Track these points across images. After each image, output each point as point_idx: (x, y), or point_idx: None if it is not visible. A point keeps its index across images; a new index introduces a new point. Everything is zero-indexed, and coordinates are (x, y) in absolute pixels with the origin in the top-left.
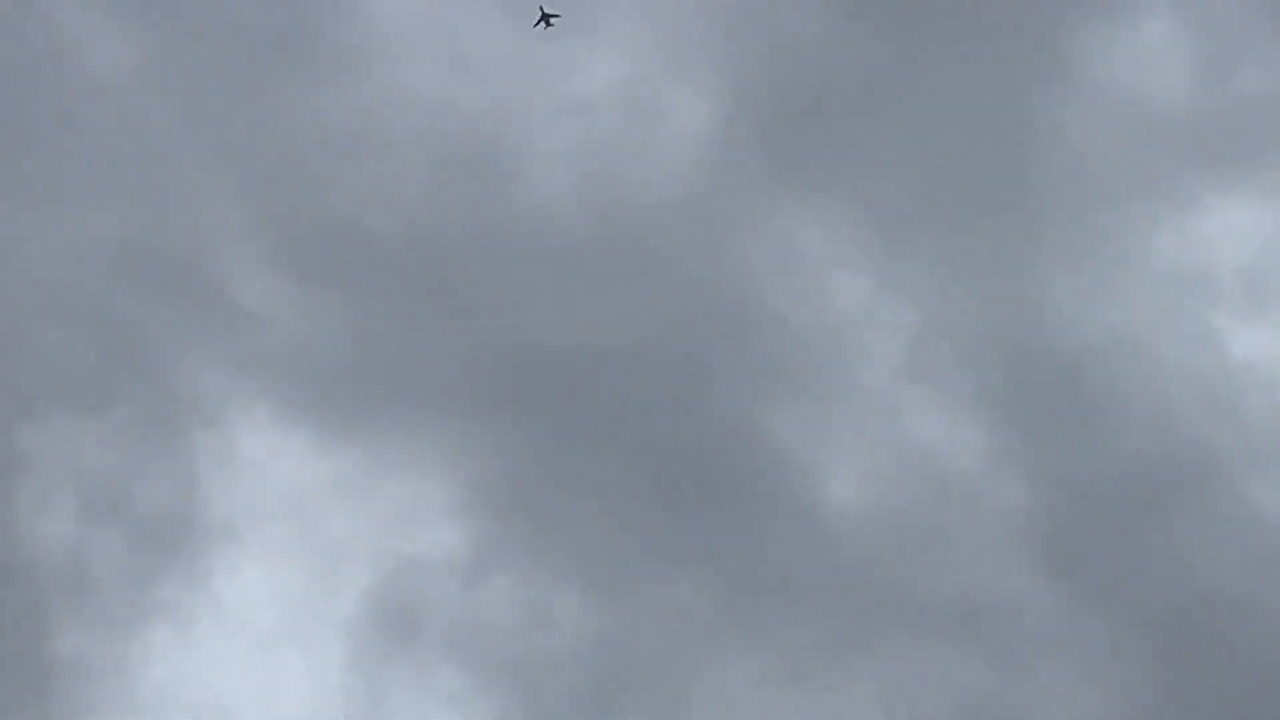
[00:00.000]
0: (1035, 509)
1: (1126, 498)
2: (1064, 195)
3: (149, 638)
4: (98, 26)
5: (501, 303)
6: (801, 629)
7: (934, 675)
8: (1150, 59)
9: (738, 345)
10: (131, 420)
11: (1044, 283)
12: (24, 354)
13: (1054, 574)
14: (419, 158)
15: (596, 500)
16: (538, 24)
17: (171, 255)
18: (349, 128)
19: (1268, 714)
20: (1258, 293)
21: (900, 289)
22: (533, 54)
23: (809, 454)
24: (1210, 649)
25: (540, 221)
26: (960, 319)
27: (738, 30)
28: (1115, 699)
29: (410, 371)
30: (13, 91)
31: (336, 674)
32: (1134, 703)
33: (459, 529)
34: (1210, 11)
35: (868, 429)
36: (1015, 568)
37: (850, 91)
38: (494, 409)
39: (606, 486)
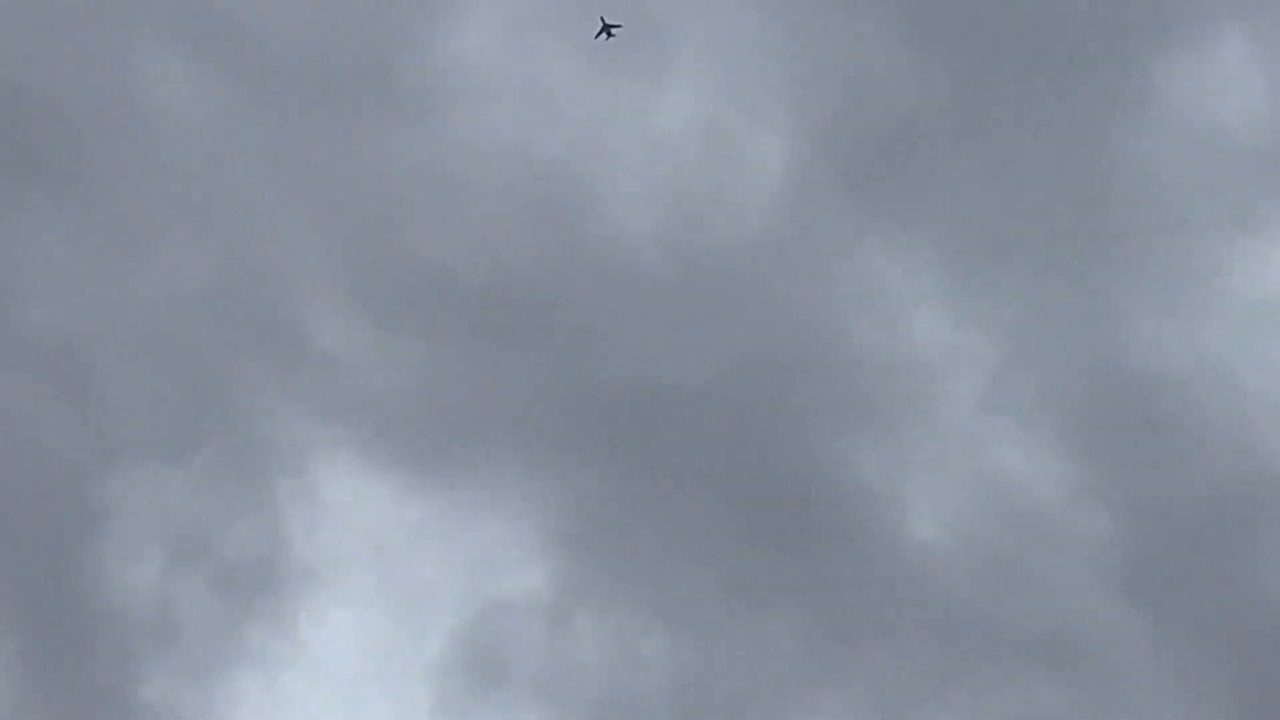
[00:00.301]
0: (1119, 539)
1: (1210, 526)
2: (1143, 225)
3: (235, 684)
4: (178, 73)
5: (583, 343)
6: (888, 664)
7: (1021, 707)
8: (1228, 88)
9: (820, 382)
10: (215, 467)
11: (1124, 313)
12: (108, 402)
13: (1139, 603)
14: (498, 200)
15: (680, 539)
16: (599, 35)
17: (253, 301)
18: (428, 171)
19: None
20: None
21: (981, 322)
22: (610, 94)
23: (892, 489)
24: None
25: (620, 261)
26: (1041, 351)
27: (815, 67)
28: None
29: (492, 413)
30: (96, 138)
31: (423, 718)
32: None
33: (543, 570)
34: None
35: (950, 463)
36: (1100, 598)
37: (928, 126)
38: (577, 449)
39: (690, 525)
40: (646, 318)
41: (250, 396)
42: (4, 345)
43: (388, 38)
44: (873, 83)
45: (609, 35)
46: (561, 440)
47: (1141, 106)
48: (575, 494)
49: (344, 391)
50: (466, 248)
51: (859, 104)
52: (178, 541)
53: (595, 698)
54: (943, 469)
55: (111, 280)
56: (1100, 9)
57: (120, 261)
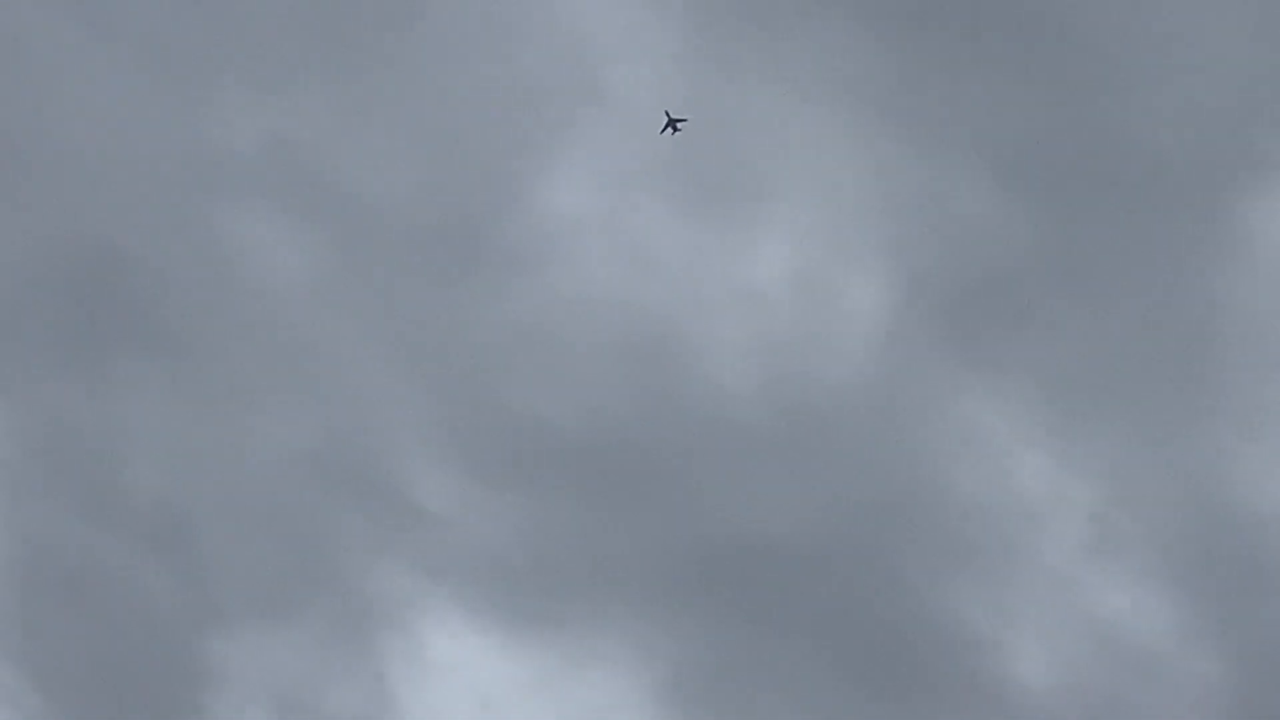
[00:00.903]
0: (1228, 682)
1: None
2: (1245, 364)
3: None
4: (277, 234)
5: (685, 495)
6: None
7: None
8: None
9: (922, 528)
10: (320, 626)
11: (1228, 452)
12: (213, 562)
13: None
14: (597, 353)
15: (786, 688)
16: (664, 130)
17: (355, 460)
18: (527, 326)
19: None
20: None
21: (1083, 465)
22: (707, 246)
23: (997, 634)
24: None
25: (720, 412)
26: (1145, 493)
27: (909, 214)
28: None
29: (596, 567)
30: (196, 301)
31: None
32: None
33: None
34: None
35: (1053, 606)
36: None
37: (1024, 269)
38: (681, 602)
39: (795, 674)
40: (747, 468)
41: (354, 555)
42: (109, 507)
43: (484, 195)
44: (967, 227)
45: (675, 130)
46: (666, 593)
47: (1239, 244)
48: (680, 646)
49: (448, 548)
50: (566, 402)
51: (954, 249)
52: (283, 701)
53: None
54: (1048, 613)
55: (215, 442)
56: (1195, 148)
57: (223, 423)
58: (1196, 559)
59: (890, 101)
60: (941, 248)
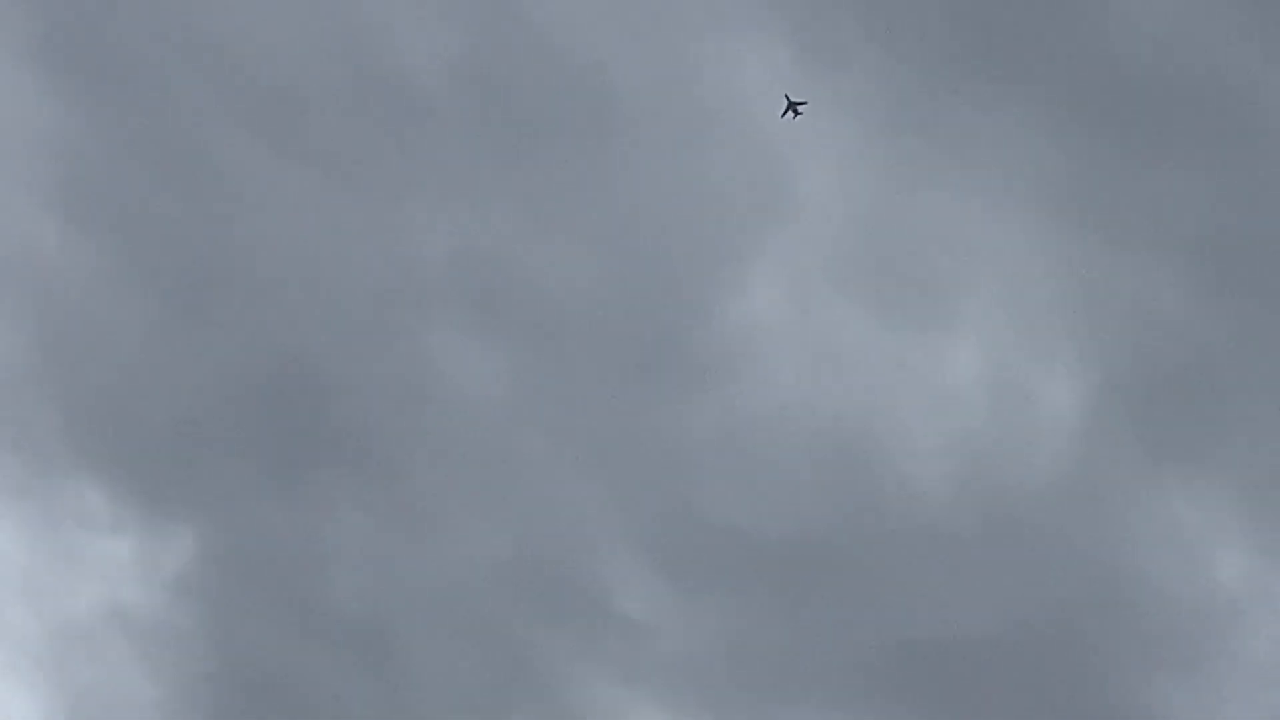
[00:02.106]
0: None
1: None
2: None
3: None
4: (471, 349)
5: (881, 597)
6: None
7: None
8: None
9: (1122, 624)
10: None
11: None
12: (415, 675)
13: None
14: (790, 458)
15: None
16: (785, 113)
17: (554, 570)
18: (720, 433)
19: None
20: None
21: None
22: (898, 348)
23: None
24: None
25: (916, 514)
26: None
27: (1101, 310)
28: None
29: (796, 670)
30: (392, 417)
31: None
32: None
33: None
34: None
35: (1256, 701)
36: None
37: (1218, 365)
38: (881, 702)
39: None
40: (944, 568)
41: (556, 664)
42: (311, 622)
43: (676, 303)
44: (1160, 323)
45: (796, 114)
46: (865, 693)
47: None
48: None
49: (648, 654)
50: (762, 507)
51: (1148, 345)
52: None
53: None
54: (1251, 708)
55: (414, 554)
56: None
57: (421, 535)
58: None
59: (1080, 199)
60: (1135, 344)
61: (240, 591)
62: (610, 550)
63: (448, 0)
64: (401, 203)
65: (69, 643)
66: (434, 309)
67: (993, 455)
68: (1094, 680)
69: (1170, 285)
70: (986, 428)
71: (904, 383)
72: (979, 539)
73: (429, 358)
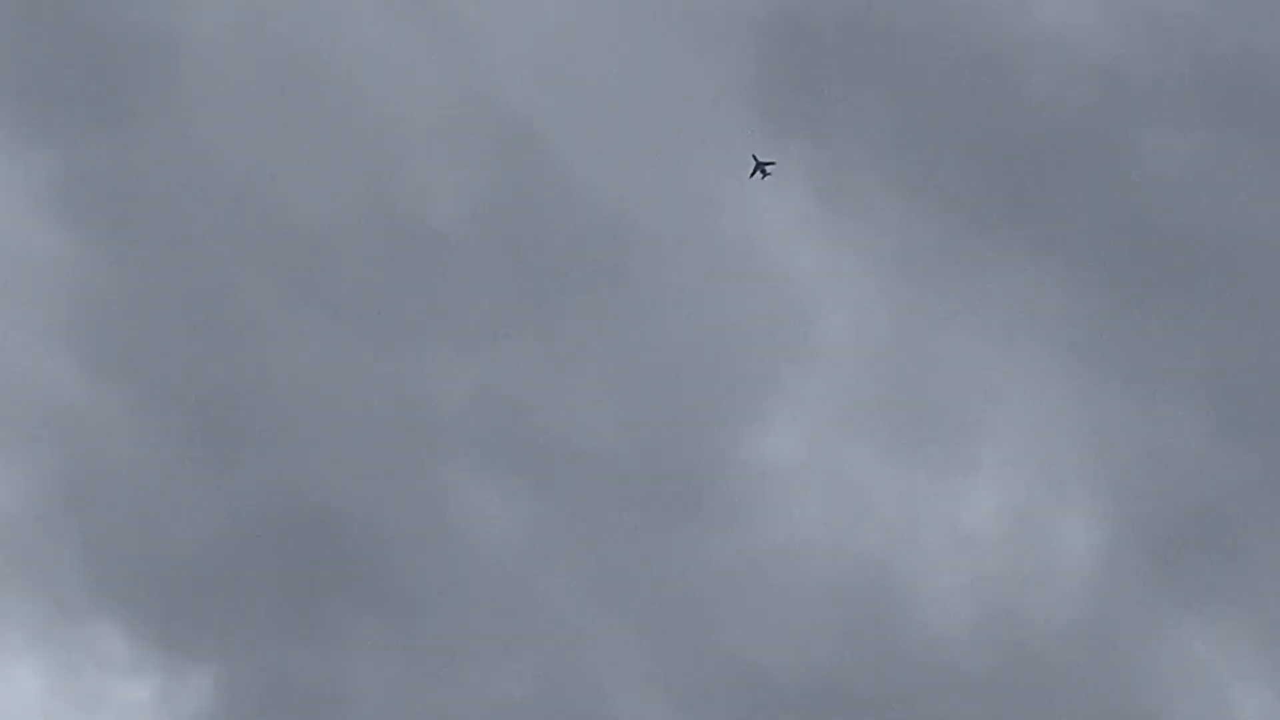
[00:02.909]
0: None
1: None
2: None
3: None
4: (489, 488)
5: None
6: None
7: None
8: None
9: None
10: None
11: None
12: None
13: None
14: (809, 598)
15: None
16: (753, 174)
17: (575, 710)
18: (741, 572)
19: None
20: None
21: None
22: (918, 488)
23: None
24: None
25: (936, 655)
26: None
27: (1120, 450)
28: None
29: None
30: (411, 556)
31: None
32: None
33: None
34: None
35: None
36: None
37: (1238, 504)
38: None
39: None
40: (964, 709)
41: None
42: None
43: (695, 443)
44: (1180, 463)
45: (764, 175)
46: None
47: None
48: None
49: None
50: (782, 647)
51: (1167, 485)
52: None
53: None
54: None
55: (434, 695)
56: None
57: (441, 676)
58: None
59: (1098, 340)
60: (1154, 485)
61: None
62: (631, 691)
63: (467, 144)
64: (422, 344)
65: None
66: (454, 450)
67: (1012, 596)
68: None
69: (1189, 426)
70: (1006, 568)
71: (923, 523)
72: (999, 679)
73: (449, 499)
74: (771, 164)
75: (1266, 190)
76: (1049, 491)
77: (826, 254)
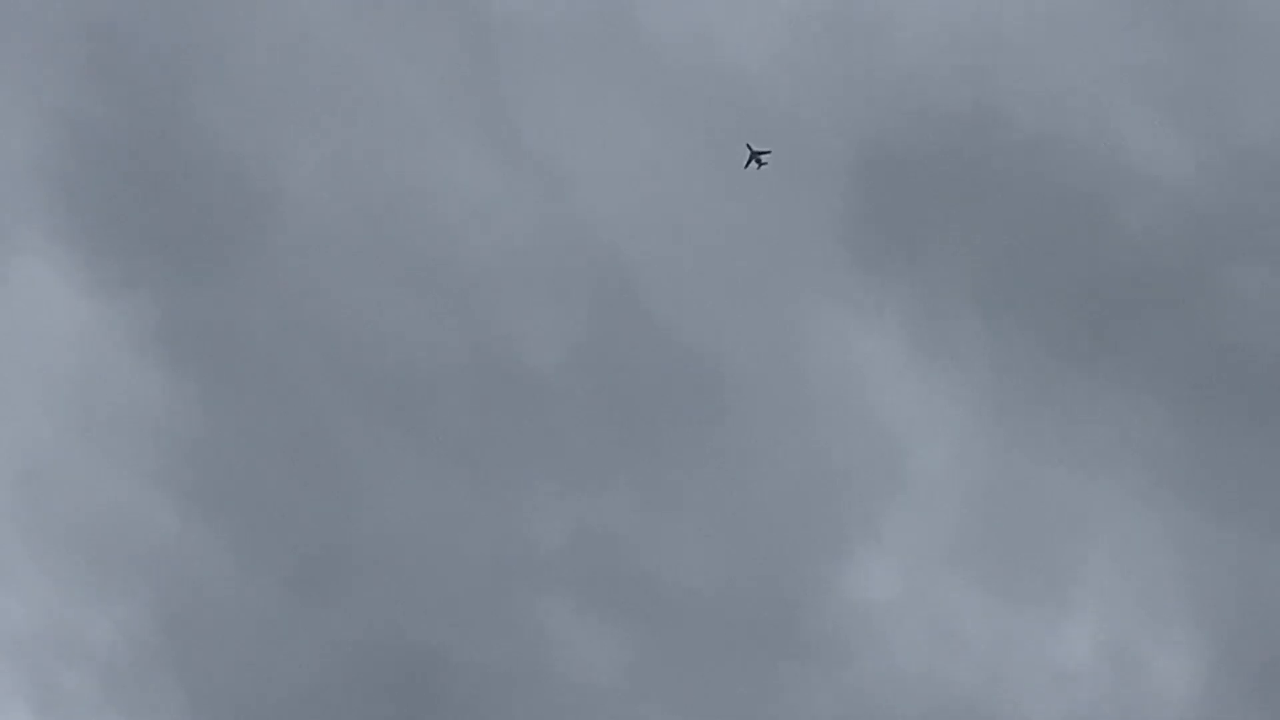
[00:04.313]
0: None
1: None
2: None
3: None
4: (586, 629)
5: None
6: None
7: None
8: None
9: None
10: None
11: None
12: None
13: None
14: None
15: None
16: (749, 164)
17: None
18: (838, 710)
19: None
20: None
21: None
22: (1013, 623)
23: None
24: None
25: None
26: None
27: (1215, 581)
28: None
29: None
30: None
31: None
32: None
33: None
34: None
35: None
36: None
37: None
38: None
39: None
40: None
41: None
42: None
43: (793, 581)
44: (1276, 594)
45: (759, 164)
46: None
47: None
48: None
49: None
50: None
51: (1264, 616)
52: None
53: None
54: None
55: None
56: None
57: None
58: None
59: (1192, 471)
60: (1252, 615)
61: None
62: None
63: (562, 285)
64: (519, 484)
65: None
66: (553, 589)
67: None
68: None
69: None
70: (1102, 703)
71: (1019, 658)
72: None
73: (548, 638)
74: (766, 153)
75: None
76: (1145, 625)
77: (921, 390)
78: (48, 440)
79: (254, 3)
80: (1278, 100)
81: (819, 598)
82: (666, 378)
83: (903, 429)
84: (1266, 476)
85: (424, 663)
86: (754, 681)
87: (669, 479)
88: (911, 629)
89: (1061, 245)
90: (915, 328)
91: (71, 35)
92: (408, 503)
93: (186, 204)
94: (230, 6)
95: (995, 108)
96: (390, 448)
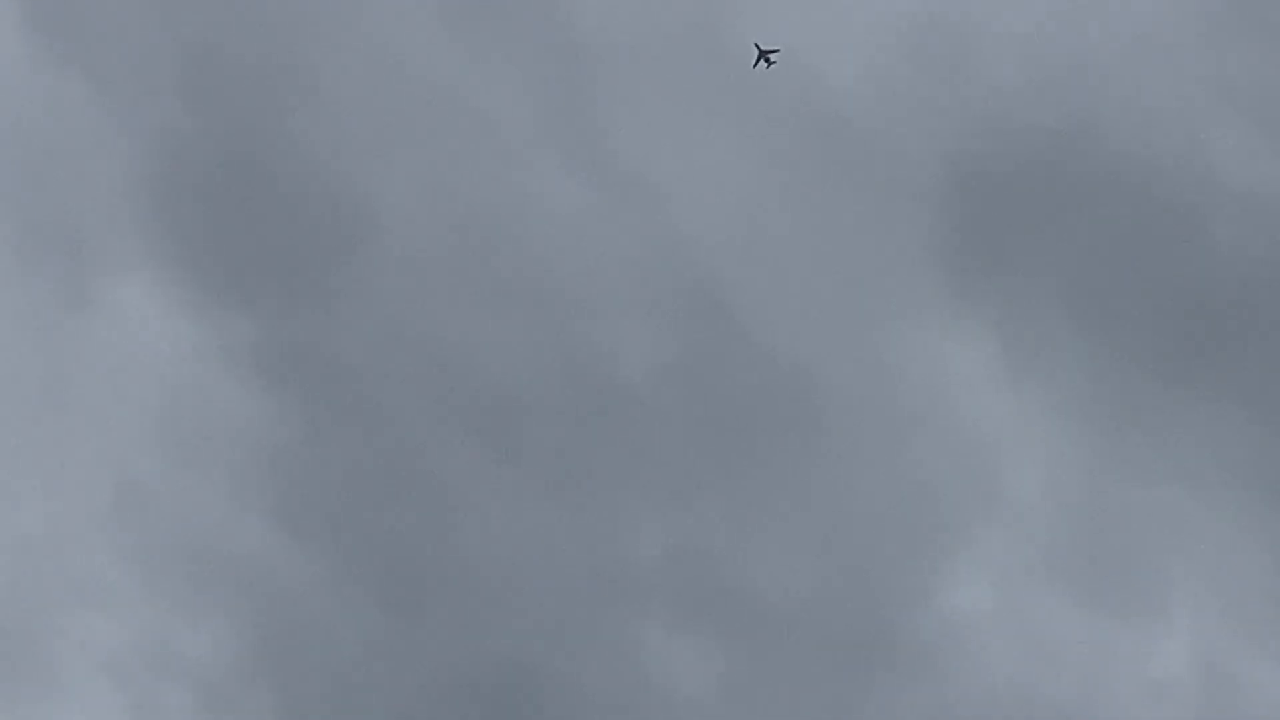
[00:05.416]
0: None
1: None
2: None
3: None
4: (682, 645)
5: None
6: None
7: None
8: None
9: None
10: None
11: None
12: None
13: None
14: None
15: None
16: (757, 64)
17: None
18: None
19: None
20: None
21: None
22: (1108, 638)
23: None
24: None
25: None
26: None
27: None
28: None
29: None
30: (606, 714)
31: None
32: None
33: None
34: None
35: None
36: None
37: None
38: None
39: None
40: None
41: None
42: None
43: (886, 593)
44: None
45: (768, 64)
46: None
47: None
48: None
49: None
50: None
51: None
52: None
53: None
54: None
55: None
56: None
57: None
58: None
59: None
60: None
61: None
62: None
63: (653, 301)
64: (612, 501)
65: None
66: (646, 606)
67: None
68: None
69: None
70: (1198, 716)
71: (1115, 672)
72: None
73: (642, 654)
74: (776, 51)
75: None
76: (1241, 639)
77: (1014, 403)
78: (144, 460)
79: (348, 24)
80: None
81: (913, 611)
82: (759, 393)
83: (996, 443)
84: None
85: (517, 681)
86: (848, 695)
87: (761, 494)
88: (1005, 642)
89: (1155, 261)
90: (1008, 343)
91: (168, 54)
92: (501, 520)
93: (282, 224)
94: (325, 27)
95: (1085, 122)
96: (484, 465)
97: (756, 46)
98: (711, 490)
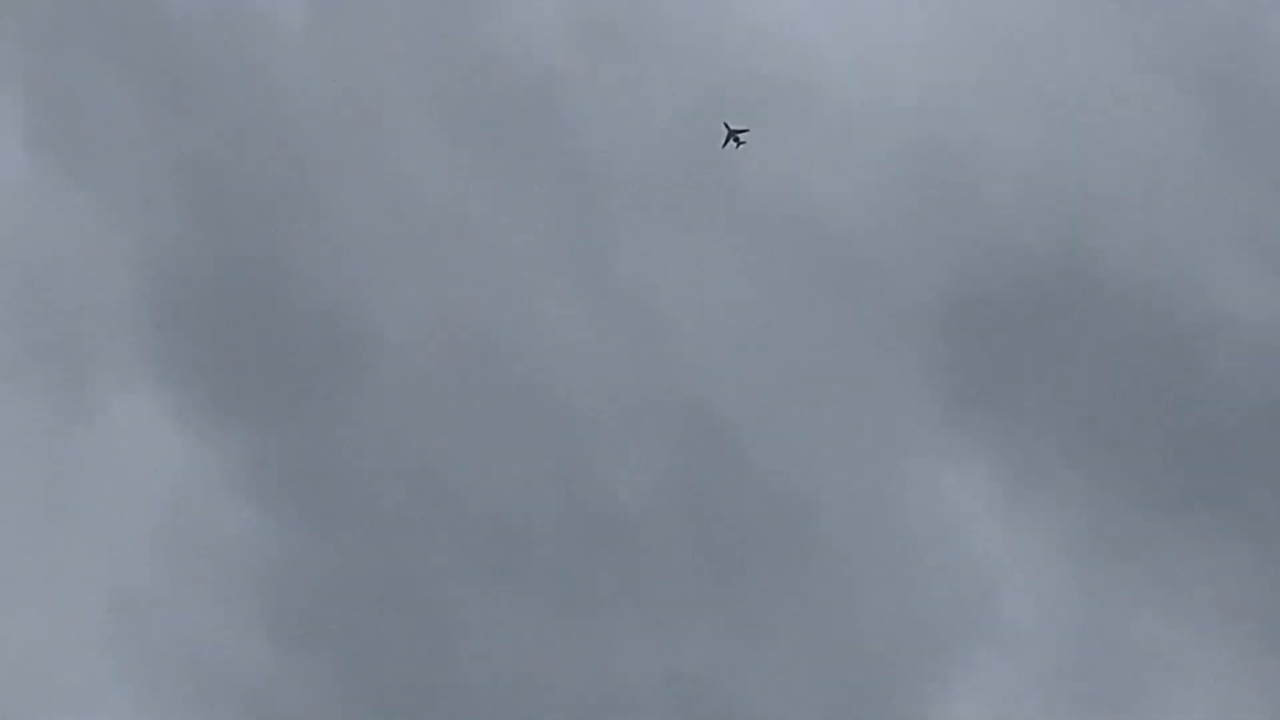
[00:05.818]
0: None
1: None
2: None
3: None
4: None
5: None
6: None
7: None
8: None
9: None
10: None
11: None
12: None
13: None
14: None
15: None
16: (726, 144)
17: None
18: None
19: None
20: None
21: None
22: None
23: None
24: None
25: None
26: None
27: None
28: None
29: None
30: None
31: None
32: None
33: None
34: None
35: None
36: None
37: None
38: None
39: None
40: None
41: None
42: None
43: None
44: None
45: (737, 143)
46: None
47: None
48: None
49: None
50: None
51: None
52: None
53: None
54: None
55: None
56: None
57: None
58: None
59: None
60: None
61: None
62: None
63: (652, 426)
64: (610, 624)
65: None
66: None
67: None
68: None
69: None
70: None
71: None
72: None
73: None
74: (745, 131)
75: None
76: None
77: (1012, 533)
78: (142, 574)
79: (353, 142)
80: None
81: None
82: (758, 518)
83: (993, 570)
84: None
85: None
86: None
87: (760, 618)
88: None
89: (1154, 391)
90: (1006, 473)
91: (170, 170)
92: (500, 641)
93: (281, 343)
94: (330, 146)
95: (1085, 249)
96: (483, 586)
97: (726, 126)
98: (710, 614)
